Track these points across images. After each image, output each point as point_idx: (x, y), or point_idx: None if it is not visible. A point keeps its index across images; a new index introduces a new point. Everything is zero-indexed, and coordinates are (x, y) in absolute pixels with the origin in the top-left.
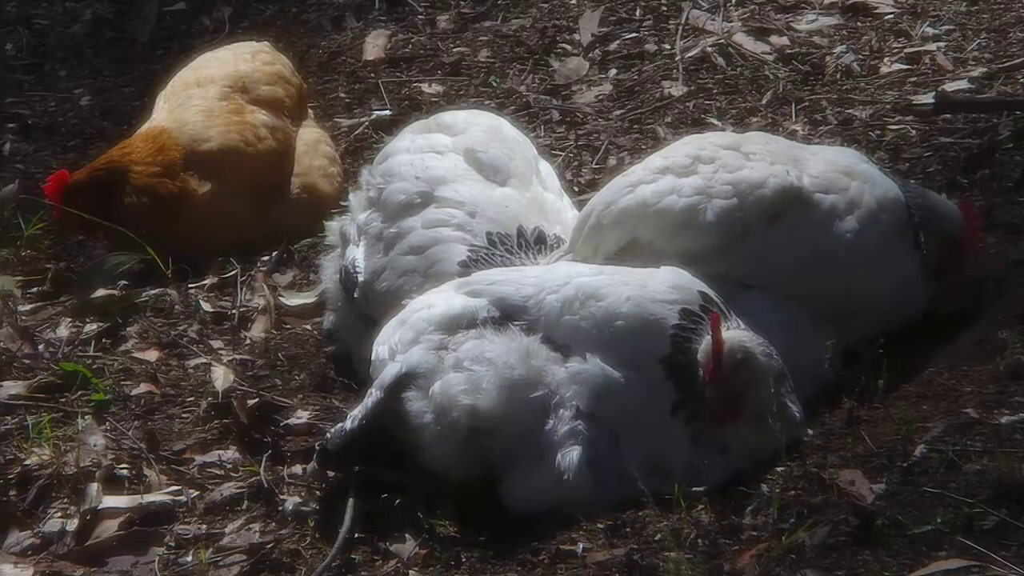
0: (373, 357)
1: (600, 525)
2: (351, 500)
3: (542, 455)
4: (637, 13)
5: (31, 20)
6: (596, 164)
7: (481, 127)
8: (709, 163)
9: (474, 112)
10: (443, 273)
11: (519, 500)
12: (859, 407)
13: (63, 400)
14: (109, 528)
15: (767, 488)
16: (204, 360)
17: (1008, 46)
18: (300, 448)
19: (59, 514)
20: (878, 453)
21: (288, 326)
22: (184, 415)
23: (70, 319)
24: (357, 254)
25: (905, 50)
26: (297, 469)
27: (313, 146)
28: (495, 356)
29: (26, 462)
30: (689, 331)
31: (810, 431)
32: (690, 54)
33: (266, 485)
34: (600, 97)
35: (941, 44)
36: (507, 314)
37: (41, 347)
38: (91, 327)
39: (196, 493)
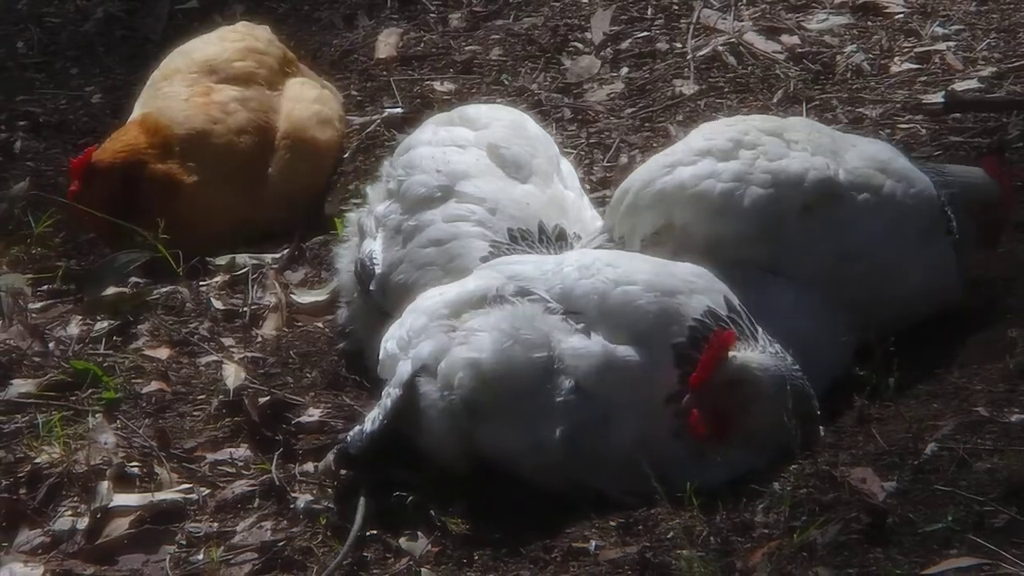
0: (381, 354)
1: (612, 523)
2: (363, 498)
3: (529, 417)
4: (649, 12)
5: (42, 18)
6: (608, 162)
7: (504, 123)
8: (751, 148)
9: (497, 107)
10: (464, 269)
11: (493, 450)
12: (870, 405)
13: (73, 398)
14: (120, 526)
15: (779, 486)
16: (215, 358)
17: (1017, 46)
18: (312, 446)
19: (69, 512)
20: (889, 451)
21: (300, 324)
22: (195, 413)
23: (80, 317)
24: (375, 246)
25: (915, 49)
26: (309, 467)
27: (298, 98)
28: (500, 320)
29: (36, 460)
30: (708, 330)
31: (822, 429)
32: (701, 53)
33: (278, 483)
34: (612, 95)
35: (951, 44)
36: (523, 287)
37: (51, 345)
38: (102, 325)
39: (207, 491)
